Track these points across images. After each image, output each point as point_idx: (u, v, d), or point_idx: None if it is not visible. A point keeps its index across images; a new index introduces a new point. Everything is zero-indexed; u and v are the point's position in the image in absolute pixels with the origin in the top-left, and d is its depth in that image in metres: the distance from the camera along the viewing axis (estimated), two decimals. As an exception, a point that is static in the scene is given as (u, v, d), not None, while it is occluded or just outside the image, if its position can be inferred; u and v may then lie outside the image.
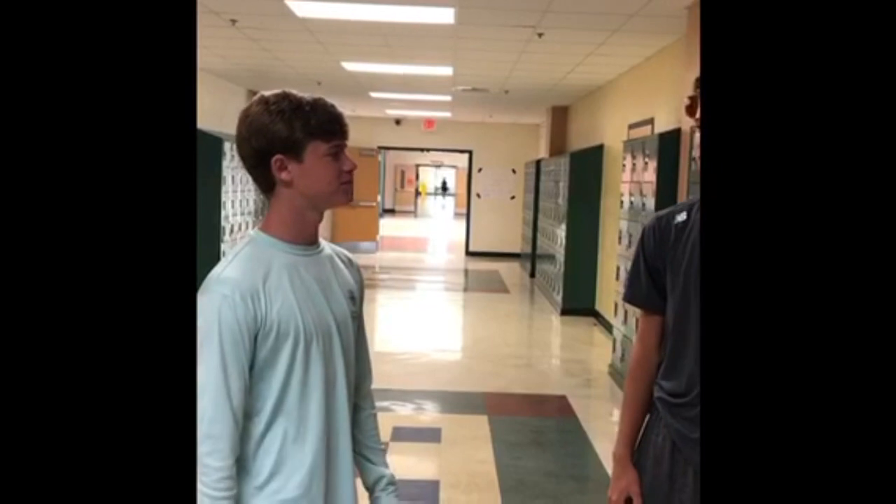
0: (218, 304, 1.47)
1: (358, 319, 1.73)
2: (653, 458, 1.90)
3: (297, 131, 1.51)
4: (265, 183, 1.57)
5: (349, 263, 1.74)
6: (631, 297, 2.00)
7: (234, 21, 6.27)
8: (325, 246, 1.69)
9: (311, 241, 1.63)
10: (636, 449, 1.97)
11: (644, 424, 1.97)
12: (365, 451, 1.78)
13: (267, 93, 1.55)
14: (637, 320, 3.55)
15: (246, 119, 1.55)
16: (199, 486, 1.44)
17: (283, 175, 1.54)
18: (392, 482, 1.79)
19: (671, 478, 1.85)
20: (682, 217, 1.87)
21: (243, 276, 1.50)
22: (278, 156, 1.52)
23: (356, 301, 1.70)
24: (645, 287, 1.94)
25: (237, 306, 1.47)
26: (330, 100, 1.58)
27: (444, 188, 38.27)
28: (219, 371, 1.46)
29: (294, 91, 1.55)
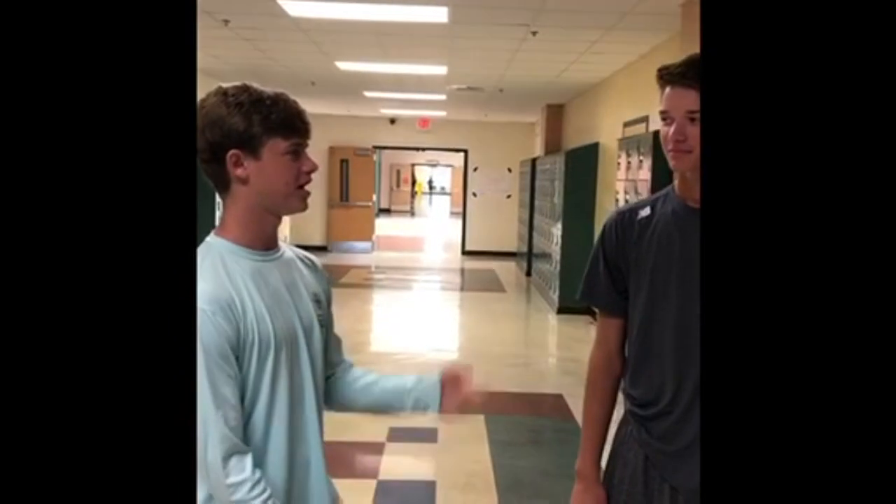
0: (199, 321, 1.34)
1: (327, 326, 1.64)
2: (630, 476, 1.76)
3: (255, 126, 1.42)
4: (220, 180, 1.47)
5: (314, 267, 1.65)
6: (589, 295, 1.83)
7: (226, 21, 6.25)
8: (286, 249, 1.59)
9: (271, 246, 1.53)
10: (607, 463, 1.84)
11: (616, 437, 1.84)
12: (375, 388, 1.70)
13: (226, 84, 1.45)
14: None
15: (202, 110, 1.44)
16: None
17: (239, 171, 1.44)
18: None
19: (646, 496, 1.73)
20: (645, 212, 1.73)
21: (216, 289, 1.41)
22: (234, 151, 1.43)
23: (322, 305, 1.61)
24: (604, 286, 1.79)
25: (218, 320, 1.39)
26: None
27: (431, 187, 38.74)
28: (208, 393, 1.36)
29: (255, 84, 1.45)
